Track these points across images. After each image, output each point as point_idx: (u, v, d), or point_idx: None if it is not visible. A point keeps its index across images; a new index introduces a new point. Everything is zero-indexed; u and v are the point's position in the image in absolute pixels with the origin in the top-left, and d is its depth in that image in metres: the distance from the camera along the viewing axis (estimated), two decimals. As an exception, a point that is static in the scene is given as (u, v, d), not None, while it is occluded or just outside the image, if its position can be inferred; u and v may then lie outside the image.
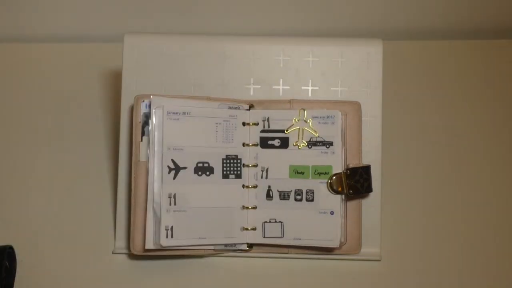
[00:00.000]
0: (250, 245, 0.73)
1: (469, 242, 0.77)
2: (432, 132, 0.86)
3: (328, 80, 0.77)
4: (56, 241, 0.76)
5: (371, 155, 0.75)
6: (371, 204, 0.75)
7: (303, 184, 0.72)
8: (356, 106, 0.74)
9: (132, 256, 0.74)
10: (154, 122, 0.71)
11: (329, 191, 0.72)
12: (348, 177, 0.71)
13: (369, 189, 0.72)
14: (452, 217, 0.79)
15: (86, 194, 0.80)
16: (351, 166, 0.72)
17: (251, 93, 0.77)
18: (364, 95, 0.76)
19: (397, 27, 0.97)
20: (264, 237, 0.72)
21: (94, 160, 0.82)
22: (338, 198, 0.72)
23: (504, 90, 0.90)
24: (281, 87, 0.77)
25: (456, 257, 0.76)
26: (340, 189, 0.72)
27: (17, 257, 0.73)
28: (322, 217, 0.71)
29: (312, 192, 0.72)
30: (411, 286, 0.74)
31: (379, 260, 0.74)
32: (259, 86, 0.77)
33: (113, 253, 0.75)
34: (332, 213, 0.71)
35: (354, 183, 0.71)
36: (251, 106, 0.75)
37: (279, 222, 0.72)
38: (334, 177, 0.72)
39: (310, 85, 0.77)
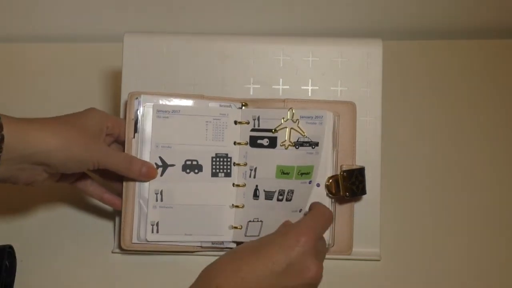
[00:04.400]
0: (238, 243, 0.73)
1: (469, 241, 0.77)
2: (432, 132, 0.86)
3: (328, 80, 0.77)
4: (56, 241, 0.76)
5: (371, 155, 0.75)
6: (370, 204, 0.74)
7: (287, 184, 0.71)
8: (351, 107, 0.74)
9: (132, 256, 0.74)
10: (144, 119, 0.72)
11: (327, 194, 0.71)
12: (344, 179, 0.70)
13: (363, 192, 0.72)
14: (452, 217, 0.79)
15: (86, 194, 0.80)
16: (345, 168, 0.71)
17: (251, 92, 0.77)
18: (364, 95, 0.76)
19: (397, 27, 0.97)
20: (246, 235, 0.72)
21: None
22: (319, 198, 0.69)
23: (505, 90, 0.90)
24: (280, 87, 0.77)
25: (456, 257, 0.76)
26: (334, 191, 0.70)
27: (17, 257, 0.73)
28: (295, 216, 0.68)
29: (292, 192, 0.71)
30: (411, 286, 0.74)
31: (379, 260, 0.74)
32: (258, 86, 0.77)
33: (112, 252, 0.75)
34: (300, 210, 0.68)
35: (350, 185, 0.70)
36: (244, 105, 0.74)
37: (260, 221, 0.72)
38: (331, 180, 0.71)
39: (310, 85, 0.77)
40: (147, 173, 0.71)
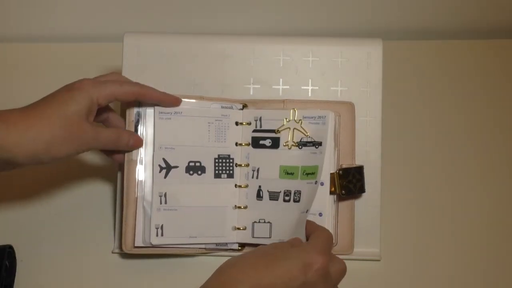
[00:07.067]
0: (242, 245, 0.73)
1: (469, 241, 0.77)
2: (432, 132, 0.86)
3: (328, 80, 0.77)
4: (56, 241, 0.77)
5: (371, 155, 0.75)
6: (371, 204, 0.75)
7: (292, 184, 0.71)
8: (350, 107, 0.74)
9: (132, 256, 0.74)
10: (146, 121, 0.72)
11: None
12: (340, 177, 0.71)
13: (361, 190, 0.72)
14: (452, 217, 0.79)
15: (86, 193, 0.80)
16: (344, 166, 0.72)
17: (251, 92, 0.77)
18: (364, 95, 0.76)
19: (397, 27, 0.97)
20: (253, 237, 0.72)
21: (94, 159, 0.82)
22: (327, 198, 0.70)
23: (505, 90, 0.90)
24: (280, 87, 0.77)
25: (456, 257, 0.76)
26: (333, 189, 0.71)
27: (17, 257, 0.74)
28: (304, 217, 0.69)
29: (300, 192, 0.71)
30: (411, 286, 0.74)
31: (379, 260, 0.74)
32: (259, 86, 0.77)
33: (113, 252, 0.75)
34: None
35: (347, 183, 0.71)
36: (244, 106, 0.74)
37: (268, 222, 0.72)
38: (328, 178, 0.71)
39: (310, 85, 0.77)
40: (134, 144, 0.71)
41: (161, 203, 0.71)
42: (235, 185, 0.73)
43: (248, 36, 0.79)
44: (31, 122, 0.62)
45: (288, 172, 0.72)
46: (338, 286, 0.61)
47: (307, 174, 0.71)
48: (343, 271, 0.62)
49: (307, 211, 0.69)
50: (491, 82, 0.90)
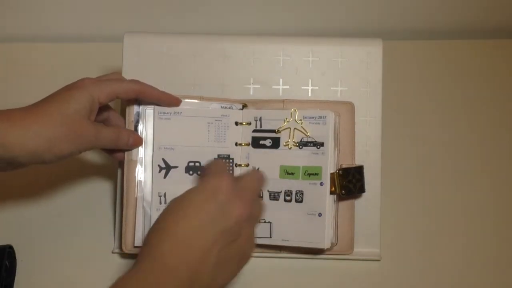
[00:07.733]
0: None
1: (469, 242, 0.77)
2: (432, 132, 0.86)
3: (328, 80, 0.77)
4: (56, 241, 0.76)
5: (371, 155, 0.75)
6: (371, 204, 0.74)
7: (293, 184, 0.72)
8: (349, 107, 0.74)
9: (132, 256, 0.74)
10: (145, 121, 0.72)
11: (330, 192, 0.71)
12: (340, 177, 0.71)
13: (361, 190, 0.72)
14: (452, 217, 0.79)
15: (86, 193, 0.80)
16: (343, 166, 0.72)
17: (251, 92, 0.77)
18: (364, 95, 0.76)
19: (397, 27, 0.97)
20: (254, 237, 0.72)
21: (94, 158, 0.83)
22: (329, 198, 0.71)
23: (504, 90, 0.89)
24: (280, 87, 0.77)
25: (456, 257, 0.76)
26: (333, 189, 0.71)
27: (17, 257, 0.73)
28: (311, 218, 0.70)
29: (302, 193, 0.71)
30: (411, 286, 0.74)
31: (379, 260, 0.74)
32: (258, 86, 0.77)
33: (113, 252, 0.75)
34: (320, 214, 0.70)
35: (347, 183, 0.71)
36: (244, 106, 0.74)
37: (268, 222, 0.72)
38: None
39: (310, 84, 0.77)
40: (134, 143, 0.71)
41: (160, 203, 0.71)
42: (235, 185, 0.73)
43: (248, 36, 0.79)
44: (32, 120, 0.63)
45: (288, 172, 0.72)
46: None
47: (309, 174, 0.71)
48: (255, 178, 0.62)
49: (320, 214, 0.70)
50: (491, 82, 0.90)
